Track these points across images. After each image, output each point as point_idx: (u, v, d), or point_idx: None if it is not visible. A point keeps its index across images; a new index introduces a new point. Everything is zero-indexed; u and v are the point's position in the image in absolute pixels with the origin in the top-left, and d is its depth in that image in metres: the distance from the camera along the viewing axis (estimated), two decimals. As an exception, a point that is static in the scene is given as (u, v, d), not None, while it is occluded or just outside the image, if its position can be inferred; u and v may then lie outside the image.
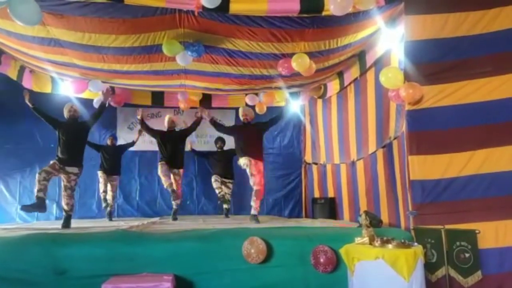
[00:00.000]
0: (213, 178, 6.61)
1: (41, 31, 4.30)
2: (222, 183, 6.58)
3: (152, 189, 7.43)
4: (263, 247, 3.37)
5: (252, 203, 5.23)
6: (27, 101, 5.01)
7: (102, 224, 5.44)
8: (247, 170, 5.32)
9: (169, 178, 5.92)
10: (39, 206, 4.65)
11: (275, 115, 5.83)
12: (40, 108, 5.07)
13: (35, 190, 4.71)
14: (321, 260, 3.33)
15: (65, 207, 4.91)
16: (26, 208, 4.72)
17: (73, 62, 5.19)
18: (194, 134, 7.14)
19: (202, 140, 7.60)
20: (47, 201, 4.83)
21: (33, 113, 5.05)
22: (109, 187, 6.53)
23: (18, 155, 6.61)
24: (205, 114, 5.84)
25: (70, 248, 3.35)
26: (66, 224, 4.83)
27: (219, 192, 6.35)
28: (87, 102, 6.68)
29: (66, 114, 5.20)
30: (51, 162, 4.88)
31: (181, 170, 6.20)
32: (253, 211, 5.20)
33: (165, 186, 5.97)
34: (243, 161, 5.35)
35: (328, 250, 3.37)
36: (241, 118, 5.69)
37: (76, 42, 4.54)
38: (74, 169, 4.95)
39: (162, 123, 6.69)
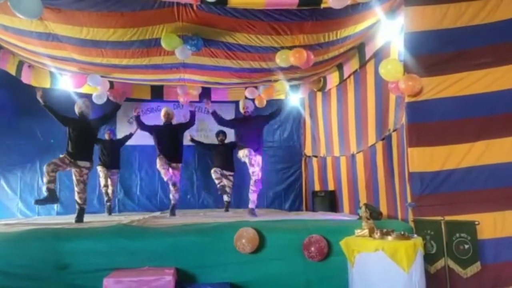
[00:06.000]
0: (212, 170, 6.55)
1: (39, 25, 4.27)
2: (222, 175, 6.53)
3: (152, 183, 7.43)
4: (254, 235, 3.39)
5: (250, 196, 5.24)
6: (39, 98, 5.03)
7: (103, 219, 5.46)
8: (247, 161, 5.33)
9: (168, 171, 5.81)
10: (52, 197, 4.73)
11: (274, 109, 5.81)
12: (51, 105, 5.11)
13: (45, 181, 4.75)
14: (310, 246, 3.38)
15: (79, 200, 4.98)
16: (40, 202, 4.75)
17: (71, 56, 5.16)
18: (195, 129, 7.14)
19: (202, 134, 7.58)
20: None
21: (44, 109, 5.09)
22: (109, 181, 6.54)
23: (19, 151, 6.61)
24: (209, 106, 5.80)
25: (72, 243, 3.37)
26: (80, 218, 4.89)
27: (219, 183, 6.30)
28: (86, 97, 6.67)
29: (77, 110, 5.26)
30: (61, 155, 4.92)
31: (179, 165, 6.05)
32: (250, 205, 5.20)
33: (165, 179, 5.88)
34: (242, 153, 5.36)
35: (316, 236, 3.42)
36: (242, 111, 5.69)
37: (74, 36, 4.52)
38: (86, 163, 5.02)
39: (161, 117, 6.65)
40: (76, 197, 5.01)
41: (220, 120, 5.74)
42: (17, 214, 6.69)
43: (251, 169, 5.29)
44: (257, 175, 5.25)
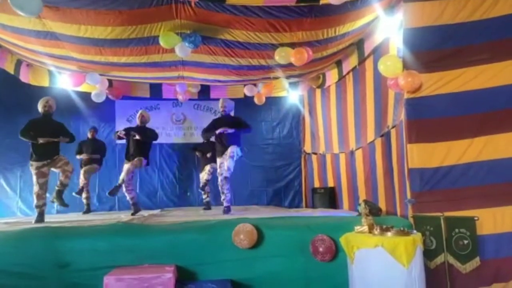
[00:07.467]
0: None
1: (37, 24, 4.27)
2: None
3: (152, 181, 7.45)
4: (253, 231, 3.39)
5: (225, 195, 5.11)
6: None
7: (103, 217, 5.46)
8: (231, 158, 5.11)
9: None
10: (43, 219, 4.69)
11: (247, 125, 5.51)
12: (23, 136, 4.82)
13: (39, 204, 4.69)
14: (320, 249, 3.36)
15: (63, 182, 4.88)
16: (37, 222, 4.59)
17: (70, 55, 5.16)
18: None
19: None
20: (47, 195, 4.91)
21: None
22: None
23: (18, 149, 6.58)
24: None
25: (72, 241, 3.37)
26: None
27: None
28: (85, 95, 6.67)
29: (40, 108, 4.95)
30: (33, 171, 4.72)
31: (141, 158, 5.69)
32: (226, 203, 5.11)
33: (119, 182, 5.54)
34: (228, 153, 5.11)
35: (326, 238, 3.40)
36: (220, 109, 5.60)
37: (72, 35, 4.51)
38: (60, 156, 4.88)
39: (160, 116, 6.65)
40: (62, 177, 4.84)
41: (203, 133, 5.74)
42: (17, 213, 6.69)
43: (229, 164, 5.06)
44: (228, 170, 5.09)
